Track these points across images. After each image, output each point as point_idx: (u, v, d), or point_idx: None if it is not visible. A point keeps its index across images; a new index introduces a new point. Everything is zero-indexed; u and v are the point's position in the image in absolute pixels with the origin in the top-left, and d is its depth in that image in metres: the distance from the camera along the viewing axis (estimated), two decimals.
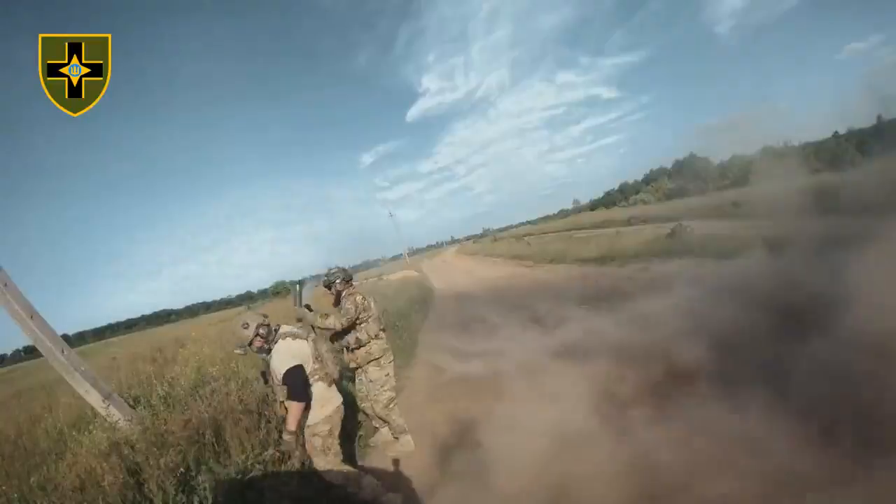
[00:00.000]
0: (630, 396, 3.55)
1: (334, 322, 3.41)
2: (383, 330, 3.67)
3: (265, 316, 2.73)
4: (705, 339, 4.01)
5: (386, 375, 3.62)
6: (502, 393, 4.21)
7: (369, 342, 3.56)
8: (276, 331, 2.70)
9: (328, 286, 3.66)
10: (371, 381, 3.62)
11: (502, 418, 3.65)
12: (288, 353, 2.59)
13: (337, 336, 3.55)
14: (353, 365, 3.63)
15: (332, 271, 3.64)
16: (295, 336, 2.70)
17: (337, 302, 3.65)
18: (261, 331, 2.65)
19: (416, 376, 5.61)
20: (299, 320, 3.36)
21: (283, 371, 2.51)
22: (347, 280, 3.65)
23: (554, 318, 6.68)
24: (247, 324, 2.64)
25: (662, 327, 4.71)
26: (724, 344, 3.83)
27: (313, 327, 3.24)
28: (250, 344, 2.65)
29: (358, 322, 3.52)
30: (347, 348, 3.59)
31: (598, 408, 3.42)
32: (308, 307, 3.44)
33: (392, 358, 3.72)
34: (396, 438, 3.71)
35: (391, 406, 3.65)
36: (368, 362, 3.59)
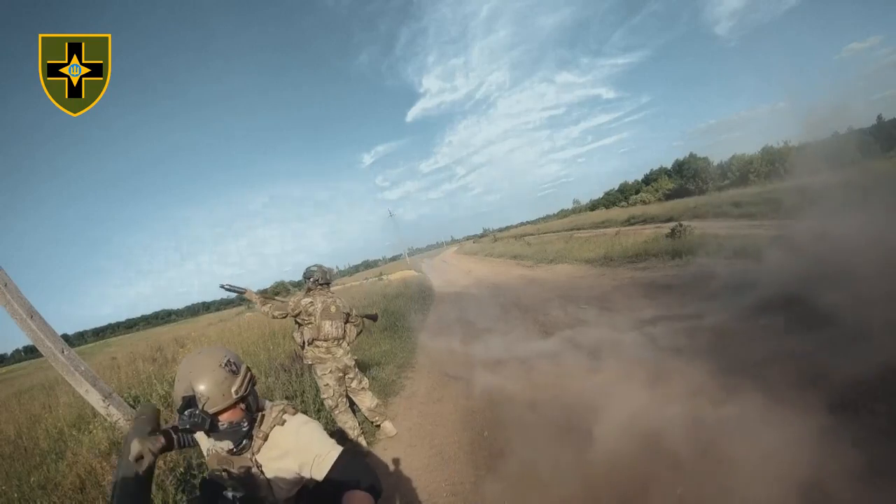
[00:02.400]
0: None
1: (268, 310, 3.54)
2: (326, 340, 3.62)
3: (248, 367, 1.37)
4: None
5: (325, 385, 3.65)
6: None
7: (303, 345, 3.62)
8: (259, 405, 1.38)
9: (307, 279, 3.75)
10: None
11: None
12: (319, 431, 1.36)
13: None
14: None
15: (310, 269, 3.75)
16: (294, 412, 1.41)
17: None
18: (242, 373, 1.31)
19: (418, 378, 5.60)
20: (249, 301, 3.61)
21: (330, 464, 1.28)
22: (317, 280, 3.71)
23: (564, 321, 6.68)
24: (233, 364, 1.28)
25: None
26: None
27: None
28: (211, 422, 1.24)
29: (297, 322, 3.63)
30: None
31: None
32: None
33: (332, 369, 3.63)
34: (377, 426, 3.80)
35: (333, 413, 3.69)
36: (310, 366, 3.71)
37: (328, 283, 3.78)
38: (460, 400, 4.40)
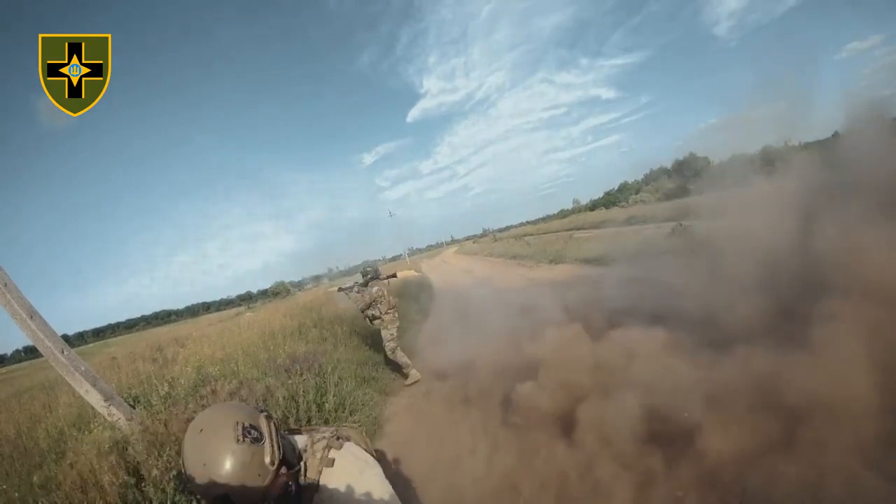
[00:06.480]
0: None
1: (359, 307, 5.78)
2: (388, 311, 5.64)
3: (262, 411, 1.02)
4: None
5: (391, 336, 5.57)
6: None
7: (379, 314, 5.60)
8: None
9: (365, 275, 5.80)
10: (383, 338, 5.64)
11: None
12: (381, 478, 1.12)
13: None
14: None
15: (367, 268, 5.97)
16: (348, 439, 1.17)
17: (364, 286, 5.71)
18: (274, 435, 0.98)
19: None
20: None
21: None
22: (374, 275, 5.78)
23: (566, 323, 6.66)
24: (250, 429, 0.94)
25: None
26: None
27: None
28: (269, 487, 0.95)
29: (373, 304, 5.60)
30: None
31: None
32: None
33: (393, 326, 5.64)
34: (407, 374, 5.49)
35: (396, 352, 5.58)
36: (380, 329, 5.70)
37: (379, 277, 5.77)
38: (461, 400, 4.40)
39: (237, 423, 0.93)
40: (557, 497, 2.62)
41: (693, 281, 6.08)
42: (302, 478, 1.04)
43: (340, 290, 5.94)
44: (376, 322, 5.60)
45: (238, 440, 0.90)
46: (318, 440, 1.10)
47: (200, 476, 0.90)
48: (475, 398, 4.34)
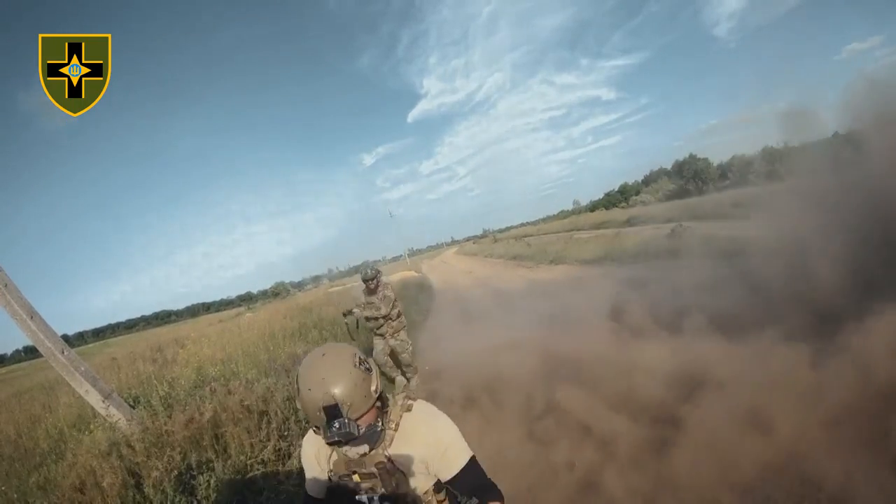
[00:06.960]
0: None
1: (376, 314, 4.96)
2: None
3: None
4: None
5: (408, 341, 5.27)
6: None
7: (398, 315, 5.19)
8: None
9: (372, 279, 4.99)
10: (401, 340, 5.20)
11: None
12: (453, 424, 1.30)
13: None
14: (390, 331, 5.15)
15: (370, 271, 5.01)
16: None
17: (371, 291, 4.99)
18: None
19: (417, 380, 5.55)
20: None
21: (461, 466, 1.24)
22: (379, 278, 5.12)
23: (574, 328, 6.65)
24: (364, 361, 1.20)
25: None
26: None
27: None
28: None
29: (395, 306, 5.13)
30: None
31: None
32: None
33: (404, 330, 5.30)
34: (408, 379, 5.30)
35: (413, 357, 5.32)
36: (399, 329, 5.22)
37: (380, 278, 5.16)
38: (463, 399, 4.39)
39: (355, 353, 1.17)
40: (561, 497, 2.61)
41: (692, 280, 6.10)
42: (386, 418, 1.24)
43: (345, 314, 5.19)
44: (396, 322, 5.17)
45: (355, 365, 1.13)
46: (398, 394, 1.33)
47: (317, 388, 1.09)
48: (478, 397, 4.34)
